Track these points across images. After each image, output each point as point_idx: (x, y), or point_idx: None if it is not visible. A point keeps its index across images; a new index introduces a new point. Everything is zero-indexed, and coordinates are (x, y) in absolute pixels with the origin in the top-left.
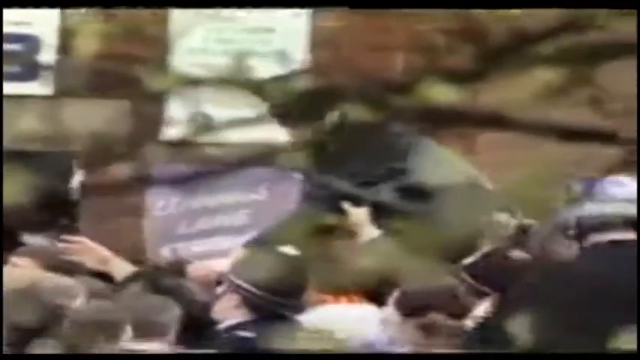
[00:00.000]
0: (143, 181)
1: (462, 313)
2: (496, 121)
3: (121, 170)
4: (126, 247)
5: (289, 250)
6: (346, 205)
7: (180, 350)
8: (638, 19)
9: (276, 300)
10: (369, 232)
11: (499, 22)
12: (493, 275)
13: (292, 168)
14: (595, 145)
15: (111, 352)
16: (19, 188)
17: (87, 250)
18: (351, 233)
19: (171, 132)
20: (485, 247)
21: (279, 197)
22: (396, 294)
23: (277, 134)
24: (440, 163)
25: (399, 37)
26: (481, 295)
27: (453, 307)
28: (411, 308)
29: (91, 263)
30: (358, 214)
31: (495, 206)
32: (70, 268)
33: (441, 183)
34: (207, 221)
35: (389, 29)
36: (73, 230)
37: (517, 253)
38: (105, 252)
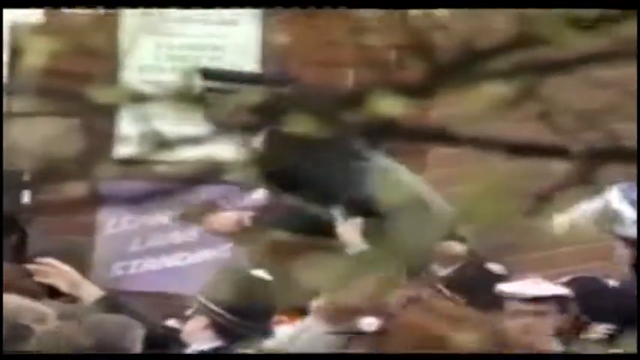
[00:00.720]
0: (95, 199)
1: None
2: (445, 136)
3: (72, 188)
4: (78, 265)
5: (262, 274)
6: (338, 220)
7: None
8: (638, 19)
9: (245, 324)
10: (357, 244)
11: (449, 37)
12: (468, 286)
13: (244, 184)
14: (545, 160)
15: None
16: None
17: (57, 272)
18: (327, 247)
19: (123, 149)
20: (460, 260)
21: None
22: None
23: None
24: (394, 181)
25: (348, 52)
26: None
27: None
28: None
29: (61, 285)
30: (348, 228)
31: (446, 229)
32: (35, 291)
33: (394, 202)
34: (160, 238)
35: (338, 44)
36: (23, 250)
37: (493, 265)
38: (75, 275)
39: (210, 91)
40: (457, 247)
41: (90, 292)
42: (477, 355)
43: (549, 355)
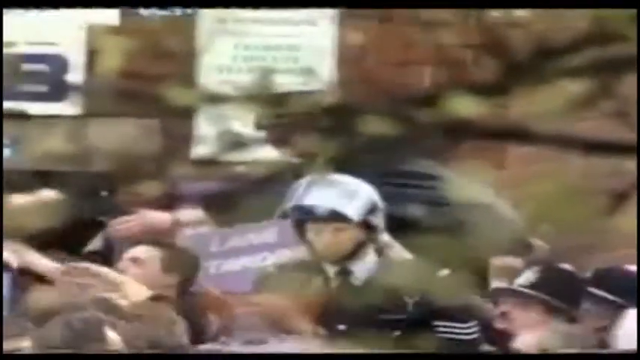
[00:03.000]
0: (173, 200)
1: None
2: (522, 134)
3: (150, 189)
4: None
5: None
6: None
7: None
8: (638, 19)
9: None
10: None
11: (524, 34)
12: (558, 288)
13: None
14: (621, 158)
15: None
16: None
17: (94, 274)
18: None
19: (200, 150)
20: (530, 267)
21: None
22: None
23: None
24: (466, 183)
25: (425, 52)
26: (555, 310)
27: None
28: None
29: (99, 287)
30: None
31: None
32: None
33: (468, 201)
34: (239, 239)
35: (415, 44)
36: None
37: (565, 265)
38: (116, 275)
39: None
40: (517, 263)
41: (137, 291)
42: (477, 355)
43: (549, 355)
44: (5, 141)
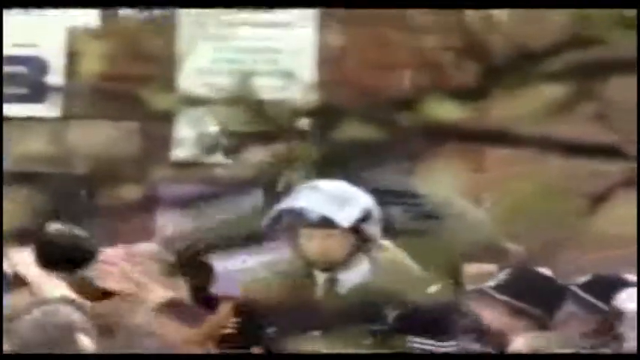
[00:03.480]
0: (153, 202)
1: None
2: (502, 137)
3: (130, 192)
4: None
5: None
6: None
7: None
8: (638, 19)
9: None
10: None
11: (503, 38)
12: (527, 291)
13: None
14: (600, 160)
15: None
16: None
17: (122, 274)
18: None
19: (180, 152)
20: (505, 269)
21: None
22: None
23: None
24: (444, 181)
25: (404, 55)
26: (521, 313)
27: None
28: None
29: (124, 288)
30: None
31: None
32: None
33: (447, 204)
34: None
35: (394, 46)
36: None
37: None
38: (139, 276)
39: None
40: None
41: (156, 293)
42: (477, 355)
43: (550, 355)
44: None
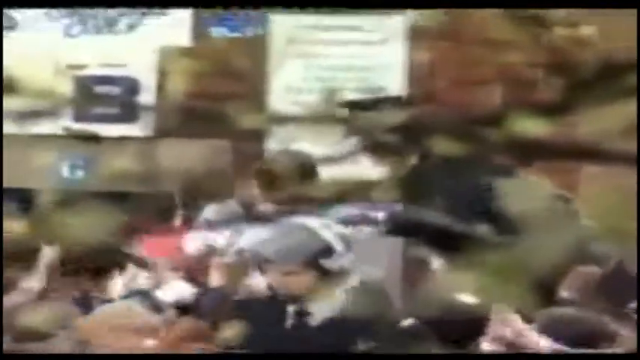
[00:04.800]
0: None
1: None
2: (592, 153)
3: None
4: None
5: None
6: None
7: None
8: (638, 19)
9: None
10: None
11: (590, 53)
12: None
13: (384, 201)
14: None
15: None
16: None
17: None
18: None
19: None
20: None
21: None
22: None
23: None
24: (529, 194)
25: (493, 71)
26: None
27: None
28: None
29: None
30: None
31: (588, 235)
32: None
33: (529, 212)
34: None
35: (483, 62)
36: None
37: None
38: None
39: (358, 111)
40: (605, 250)
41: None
42: (477, 355)
43: (550, 355)
44: (78, 162)
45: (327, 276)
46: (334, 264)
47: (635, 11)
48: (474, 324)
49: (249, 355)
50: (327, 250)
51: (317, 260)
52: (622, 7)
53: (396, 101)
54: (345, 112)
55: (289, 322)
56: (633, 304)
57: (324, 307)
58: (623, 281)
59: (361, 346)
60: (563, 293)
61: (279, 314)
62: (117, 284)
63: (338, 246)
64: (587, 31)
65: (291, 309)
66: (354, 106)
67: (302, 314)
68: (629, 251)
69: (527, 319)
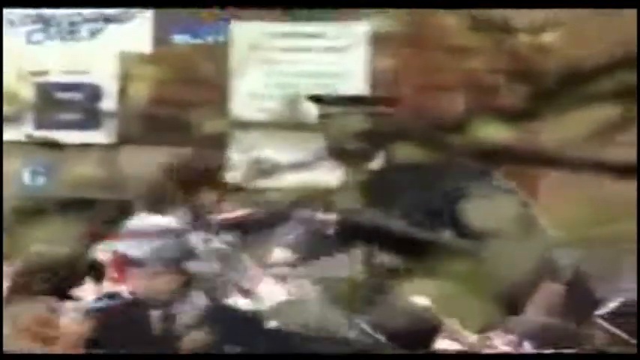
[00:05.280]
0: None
1: None
2: (554, 160)
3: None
4: None
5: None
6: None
7: None
8: (638, 19)
9: None
10: None
11: (553, 60)
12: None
13: (345, 208)
14: None
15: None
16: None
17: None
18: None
19: (230, 176)
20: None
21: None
22: None
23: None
24: (495, 202)
25: (454, 77)
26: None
27: None
28: None
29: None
30: None
31: (552, 244)
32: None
33: (495, 223)
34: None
35: (445, 68)
36: None
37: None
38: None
39: (321, 117)
40: (566, 258)
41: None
42: (477, 355)
43: (550, 355)
44: (39, 169)
45: (192, 278)
46: (199, 267)
47: (634, 11)
48: (427, 330)
49: (250, 355)
50: (190, 255)
51: (178, 264)
52: (622, 7)
53: (362, 100)
54: (309, 115)
55: (156, 327)
56: (601, 311)
57: (190, 312)
58: (584, 294)
59: (231, 350)
60: (530, 310)
61: (145, 320)
62: (87, 290)
63: (202, 249)
64: (549, 37)
65: (155, 314)
66: (320, 102)
67: (169, 318)
68: (592, 258)
69: (491, 329)
